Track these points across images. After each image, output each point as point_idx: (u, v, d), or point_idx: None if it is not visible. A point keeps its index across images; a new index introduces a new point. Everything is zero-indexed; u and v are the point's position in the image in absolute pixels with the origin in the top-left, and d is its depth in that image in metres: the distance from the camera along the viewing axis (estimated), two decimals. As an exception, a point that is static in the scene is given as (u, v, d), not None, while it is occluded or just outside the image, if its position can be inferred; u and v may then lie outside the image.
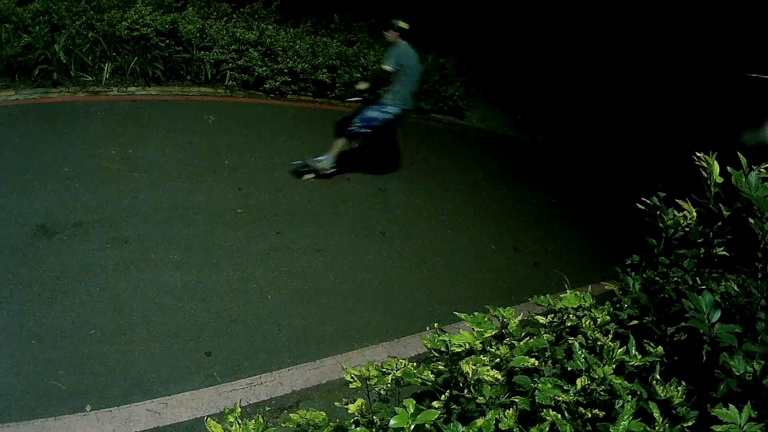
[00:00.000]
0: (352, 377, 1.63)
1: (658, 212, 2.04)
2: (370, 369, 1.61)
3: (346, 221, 5.66)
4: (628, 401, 1.49)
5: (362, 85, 6.21)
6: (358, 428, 1.55)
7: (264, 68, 7.59)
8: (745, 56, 9.46)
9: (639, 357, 1.64)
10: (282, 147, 6.63)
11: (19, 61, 6.44)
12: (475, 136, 8.89)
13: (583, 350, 1.65)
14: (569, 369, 1.63)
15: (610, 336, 1.71)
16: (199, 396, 3.56)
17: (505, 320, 1.80)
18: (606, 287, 2.08)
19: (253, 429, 1.48)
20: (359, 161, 6.48)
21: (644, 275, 2.02)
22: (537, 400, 1.52)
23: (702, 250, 1.97)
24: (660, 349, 1.67)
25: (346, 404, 1.60)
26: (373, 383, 1.61)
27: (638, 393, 1.59)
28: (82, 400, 3.34)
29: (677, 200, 2.00)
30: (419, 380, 1.65)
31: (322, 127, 7.46)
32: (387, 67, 5.86)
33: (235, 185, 5.67)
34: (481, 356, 1.63)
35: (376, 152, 6.58)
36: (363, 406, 1.60)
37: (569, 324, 1.82)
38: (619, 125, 9.69)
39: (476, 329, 1.68)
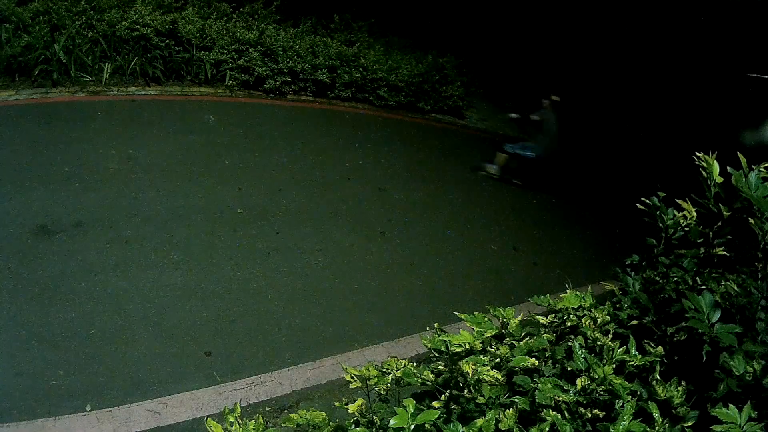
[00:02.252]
0: (352, 377, 1.63)
1: (658, 212, 2.04)
2: (370, 369, 1.61)
3: (346, 221, 5.66)
4: (628, 401, 1.49)
5: (513, 116, 7.69)
6: (358, 428, 1.55)
7: (264, 68, 7.60)
8: (745, 56, 9.46)
9: (639, 357, 1.64)
10: (282, 147, 6.63)
11: (19, 61, 6.44)
12: (475, 136, 8.90)
13: (583, 350, 1.65)
14: (569, 369, 1.63)
15: (610, 336, 1.71)
16: (199, 396, 3.56)
17: (505, 320, 1.80)
18: (606, 287, 2.08)
19: (253, 429, 1.48)
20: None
21: (644, 275, 2.02)
22: (537, 400, 1.52)
23: (702, 250, 1.97)
24: (660, 349, 1.67)
25: (346, 404, 1.60)
26: (373, 383, 1.61)
27: (638, 393, 1.59)
28: (82, 400, 3.34)
29: (677, 200, 2.00)
30: (419, 380, 1.65)
31: (322, 127, 7.48)
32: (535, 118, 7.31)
33: (235, 185, 5.67)
34: (481, 356, 1.63)
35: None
36: (363, 406, 1.60)
37: (569, 324, 1.82)
38: (620, 125, 9.69)
39: (476, 329, 1.68)
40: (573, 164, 8.20)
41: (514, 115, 7.64)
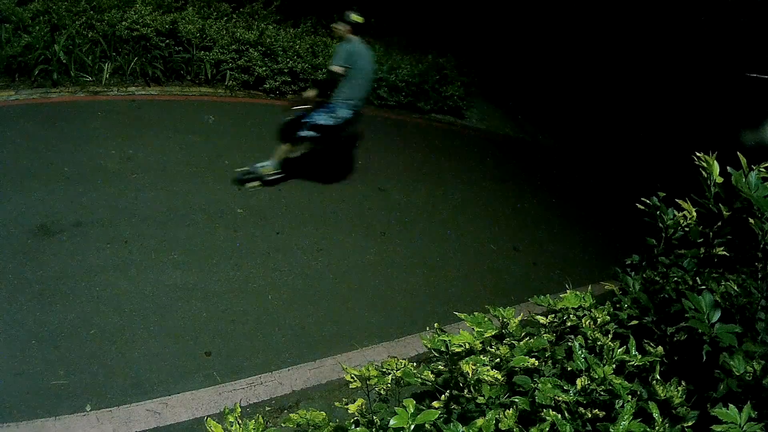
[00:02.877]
0: (352, 377, 1.63)
1: (658, 212, 2.04)
2: (370, 369, 1.61)
3: (346, 221, 5.66)
4: (628, 401, 1.49)
5: (311, 93, 5.63)
6: (358, 428, 1.55)
7: (264, 68, 7.60)
8: (745, 56, 9.46)
9: (639, 357, 1.64)
10: (282, 147, 6.63)
11: (19, 61, 6.44)
12: (475, 136, 8.90)
13: (583, 350, 1.65)
14: (569, 369, 1.63)
15: (610, 336, 1.71)
16: (199, 396, 3.56)
17: (505, 320, 1.80)
18: (606, 287, 2.08)
19: (253, 429, 1.48)
20: (307, 167, 6.01)
21: (644, 275, 2.03)
22: (537, 400, 1.52)
23: (702, 250, 1.97)
24: (660, 349, 1.67)
25: (346, 404, 1.60)
26: (373, 383, 1.61)
27: (638, 393, 1.59)
28: (82, 400, 3.34)
29: (677, 200, 2.00)
30: (419, 380, 1.65)
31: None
32: (335, 68, 5.27)
33: (235, 185, 5.67)
34: (481, 356, 1.63)
35: (326, 158, 6.05)
36: (363, 406, 1.60)
37: (569, 324, 1.82)
38: (620, 125, 9.70)
39: (476, 329, 1.68)
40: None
41: (312, 93, 5.65)
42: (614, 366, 1.58)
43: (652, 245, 2.08)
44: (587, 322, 1.77)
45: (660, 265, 2.02)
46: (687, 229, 1.98)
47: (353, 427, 1.57)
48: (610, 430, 1.43)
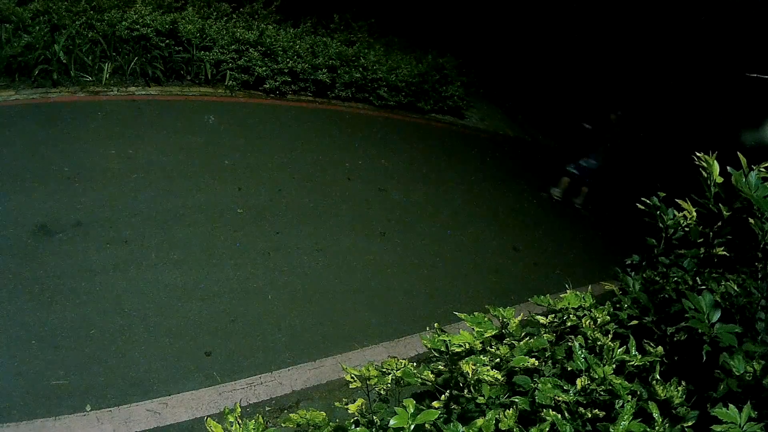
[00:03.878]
0: (352, 377, 1.63)
1: (658, 212, 2.04)
2: (370, 369, 1.61)
3: (346, 221, 5.66)
4: (628, 401, 1.49)
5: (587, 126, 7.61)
6: (358, 428, 1.55)
7: (264, 68, 7.59)
8: (745, 56, 9.45)
9: (639, 357, 1.64)
10: (282, 147, 6.63)
11: (19, 61, 6.43)
12: (475, 136, 8.89)
13: (583, 350, 1.65)
14: (569, 369, 1.63)
15: (610, 336, 1.71)
16: (199, 396, 3.56)
17: (505, 320, 1.80)
18: (606, 287, 2.08)
19: (253, 429, 1.48)
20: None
21: (644, 275, 2.02)
22: (537, 400, 1.52)
23: (702, 250, 1.97)
24: (660, 349, 1.67)
25: (346, 404, 1.60)
26: (373, 383, 1.61)
27: (638, 393, 1.59)
28: (82, 400, 3.34)
29: (677, 200, 2.00)
30: (419, 380, 1.65)
31: (322, 127, 7.48)
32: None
33: (235, 185, 5.67)
34: (481, 356, 1.63)
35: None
36: (363, 406, 1.60)
37: (569, 324, 1.82)
38: (620, 125, 9.68)
39: (476, 329, 1.68)
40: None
41: (588, 126, 7.58)
42: (614, 366, 1.58)
43: (652, 245, 2.08)
44: (587, 322, 1.77)
45: (660, 265, 2.02)
46: (687, 229, 1.98)
47: (353, 427, 1.57)
48: (610, 430, 1.43)
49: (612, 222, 6.92)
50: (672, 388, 1.56)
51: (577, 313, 1.82)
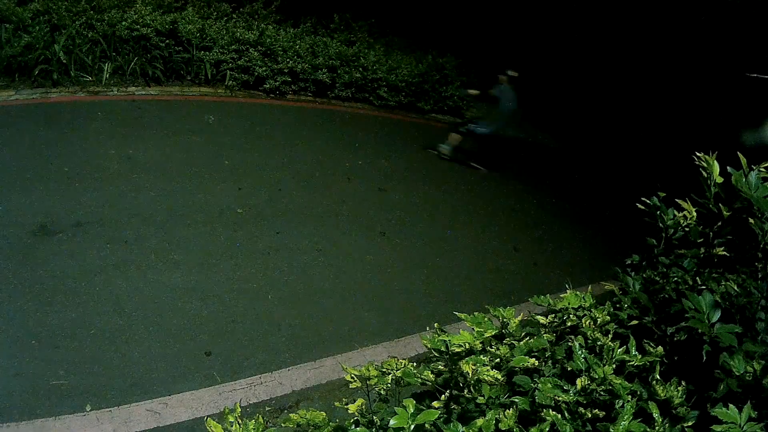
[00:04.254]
0: (352, 377, 1.63)
1: (658, 212, 2.04)
2: (370, 369, 1.61)
3: (346, 221, 5.66)
4: (628, 401, 1.49)
5: (473, 92, 7.67)
6: (358, 428, 1.55)
7: (264, 68, 7.60)
8: (745, 56, 9.45)
9: (639, 357, 1.64)
10: (282, 147, 6.63)
11: (19, 61, 6.44)
12: (475, 136, 8.88)
13: (583, 350, 1.65)
14: (569, 369, 1.63)
15: (610, 336, 1.71)
16: (199, 396, 3.56)
17: (505, 320, 1.80)
18: (606, 287, 2.08)
19: (253, 429, 1.48)
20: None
21: (644, 275, 2.02)
22: (537, 400, 1.52)
23: (702, 250, 1.97)
24: (660, 349, 1.67)
25: (346, 404, 1.60)
26: (373, 383, 1.61)
27: (638, 393, 1.59)
28: (82, 400, 3.34)
29: (677, 200, 2.00)
30: (419, 380, 1.65)
31: (322, 127, 7.48)
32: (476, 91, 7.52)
33: (235, 185, 5.67)
34: (481, 356, 1.63)
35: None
36: (363, 407, 1.60)
37: (569, 324, 1.82)
38: (620, 125, 9.69)
39: (476, 329, 1.68)
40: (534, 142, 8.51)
41: (473, 91, 7.61)
42: (614, 366, 1.58)
43: (652, 245, 2.08)
44: (587, 322, 1.76)
45: (660, 265, 2.02)
46: (687, 229, 1.97)
47: (353, 427, 1.56)
48: (610, 430, 1.43)
49: (612, 223, 6.91)
50: (672, 388, 1.56)
51: (577, 313, 1.82)
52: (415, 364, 1.70)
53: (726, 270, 1.95)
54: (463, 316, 1.75)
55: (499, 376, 1.54)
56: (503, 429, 1.46)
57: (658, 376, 1.61)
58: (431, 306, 4.80)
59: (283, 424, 1.65)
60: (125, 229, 4.73)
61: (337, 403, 1.73)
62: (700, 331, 1.63)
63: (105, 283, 4.18)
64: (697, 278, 1.90)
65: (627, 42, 10.29)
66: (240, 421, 1.48)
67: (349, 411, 1.59)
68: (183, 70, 7.49)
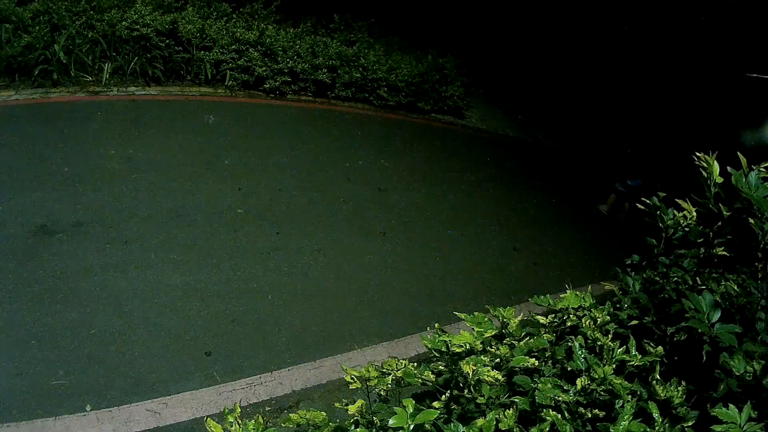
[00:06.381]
0: (352, 378, 1.63)
1: (658, 212, 2.04)
2: (370, 370, 1.61)
3: (346, 221, 5.66)
4: (628, 401, 1.49)
5: None
6: (357, 429, 1.55)
7: (264, 68, 7.59)
8: (745, 56, 9.45)
9: (639, 357, 1.64)
10: (282, 147, 6.63)
11: (19, 61, 6.43)
12: (475, 136, 8.89)
13: (583, 350, 1.65)
14: (569, 369, 1.63)
15: (610, 336, 1.71)
16: (199, 396, 3.56)
17: (505, 320, 1.80)
18: (606, 287, 2.08)
19: (253, 429, 1.48)
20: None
21: (644, 275, 2.02)
22: (537, 400, 1.52)
23: (702, 250, 1.97)
24: (660, 349, 1.67)
25: (346, 405, 1.60)
26: (373, 384, 1.61)
27: (638, 393, 1.59)
28: (82, 400, 3.34)
29: (677, 200, 2.00)
30: (420, 380, 1.65)
31: (322, 127, 7.48)
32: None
33: (235, 185, 5.67)
34: (482, 356, 1.63)
35: None
36: (363, 407, 1.60)
37: (569, 324, 1.82)
38: (620, 125, 9.69)
39: (476, 329, 1.68)
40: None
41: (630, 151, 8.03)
42: (614, 366, 1.58)
43: (652, 245, 2.08)
44: (587, 322, 1.76)
45: (660, 265, 2.02)
46: (687, 229, 1.97)
47: (353, 427, 1.56)
48: (610, 430, 1.43)
49: (612, 223, 6.91)
50: (672, 388, 1.56)
51: (577, 313, 1.82)
52: (415, 364, 1.70)
53: (726, 270, 1.95)
54: (463, 316, 1.75)
55: (500, 377, 1.54)
56: (503, 429, 1.46)
57: (658, 376, 1.61)
58: (431, 306, 4.81)
59: (283, 424, 1.65)
60: (125, 229, 4.73)
61: (337, 404, 1.73)
62: (700, 331, 1.63)
63: (105, 283, 4.18)
64: (697, 278, 1.90)
65: (628, 41, 10.29)
66: (240, 421, 1.48)
67: (349, 412, 1.59)
68: (183, 70, 7.49)
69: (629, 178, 7.60)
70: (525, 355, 1.65)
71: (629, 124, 9.70)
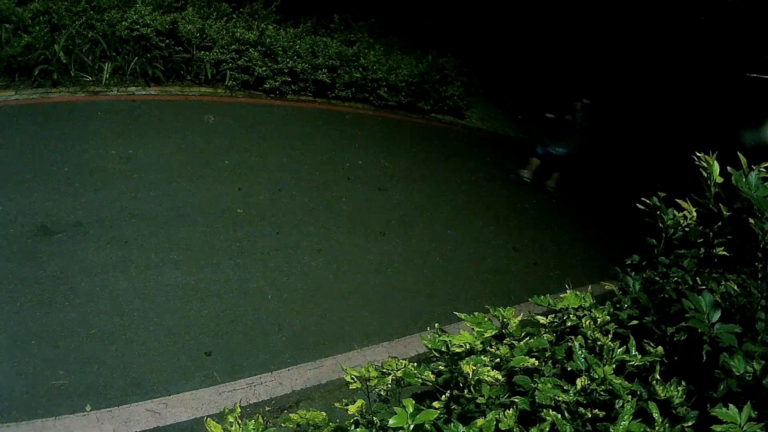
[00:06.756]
0: (352, 378, 1.63)
1: (658, 212, 2.03)
2: (370, 370, 1.61)
3: (346, 221, 5.66)
4: (628, 401, 1.49)
5: (549, 115, 7.78)
6: (357, 429, 1.55)
7: (264, 68, 7.59)
8: (745, 56, 9.45)
9: (639, 357, 1.64)
10: (282, 147, 6.63)
11: (19, 61, 6.43)
12: (475, 136, 8.90)
13: (583, 350, 1.64)
14: (569, 369, 1.63)
15: (610, 336, 1.71)
16: (199, 396, 3.56)
17: (505, 320, 1.80)
18: (606, 287, 2.08)
19: (253, 429, 1.48)
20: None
21: (644, 275, 2.02)
22: (537, 400, 1.52)
23: (702, 250, 1.97)
24: (660, 349, 1.67)
25: (346, 405, 1.60)
26: (373, 384, 1.61)
27: (638, 393, 1.59)
28: (82, 400, 3.34)
29: (677, 200, 2.00)
30: (420, 380, 1.65)
31: (322, 127, 7.48)
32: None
33: (235, 185, 5.67)
34: (482, 356, 1.63)
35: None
36: (363, 407, 1.60)
37: (569, 324, 1.82)
38: (620, 125, 9.69)
39: (476, 329, 1.68)
40: (599, 167, 8.52)
41: (550, 115, 7.75)
42: (614, 366, 1.58)
43: (652, 245, 2.08)
44: (587, 322, 1.76)
45: (660, 265, 2.02)
46: (687, 229, 1.97)
47: (353, 427, 1.56)
48: (610, 430, 1.43)
49: (612, 223, 6.91)
50: (672, 388, 1.56)
51: (577, 313, 1.82)
52: (415, 364, 1.70)
53: (726, 270, 1.95)
54: (463, 316, 1.75)
55: (500, 377, 1.54)
56: (503, 429, 1.46)
57: (658, 376, 1.61)
58: (431, 306, 4.81)
59: (283, 424, 1.65)
60: (125, 229, 4.73)
61: (337, 404, 1.73)
62: (700, 331, 1.63)
63: (105, 283, 4.18)
64: (697, 278, 1.90)
65: (628, 41, 10.29)
66: (240, 421, 1.48)
67: (349, 412, 1.59)
68: (183, 70, 7.49)
69: (553, 145, 7.55)
70: (525, 355, 1.64)
71: (629, 125, 9.70)
